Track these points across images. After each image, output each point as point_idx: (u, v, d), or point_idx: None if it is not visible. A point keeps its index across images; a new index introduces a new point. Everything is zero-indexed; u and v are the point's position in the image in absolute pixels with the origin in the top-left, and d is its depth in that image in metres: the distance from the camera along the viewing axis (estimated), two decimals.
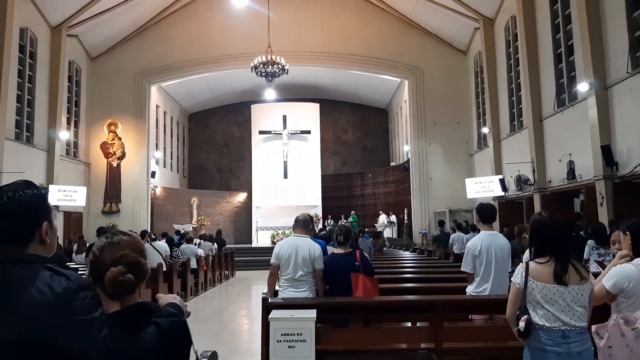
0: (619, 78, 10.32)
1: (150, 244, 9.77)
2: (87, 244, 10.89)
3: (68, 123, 18.59)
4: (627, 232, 2.97)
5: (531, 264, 2.72)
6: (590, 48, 10.89)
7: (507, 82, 16.69)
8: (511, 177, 15.34)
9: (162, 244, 10.39)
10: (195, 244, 12.63)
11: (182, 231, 15.91)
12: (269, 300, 4.39)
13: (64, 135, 17.61)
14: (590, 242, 6.62)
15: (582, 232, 8.45)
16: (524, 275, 2.69)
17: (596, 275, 3.18)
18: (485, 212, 4.81)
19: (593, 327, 2.88)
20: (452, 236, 11.83)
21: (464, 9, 17.43)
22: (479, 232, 4.92)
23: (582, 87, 11.23)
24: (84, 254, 10.46)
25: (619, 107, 10.49)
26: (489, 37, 17.55)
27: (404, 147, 22.33)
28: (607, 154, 10.37)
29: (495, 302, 4.22)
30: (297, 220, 5.05)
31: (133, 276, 1.62)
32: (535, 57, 14.32)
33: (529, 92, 14.32)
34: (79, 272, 1.61)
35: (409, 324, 5.41)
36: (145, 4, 19.13)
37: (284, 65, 16.33)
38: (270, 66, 16.24)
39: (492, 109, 17.44)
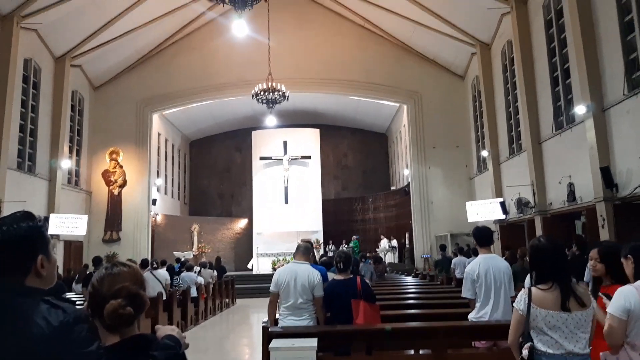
0: (616, 100, 10.40)
1: (152, 272, 9.71)
2: (88, 273, 10.84)
3: (70, 152, 18.70)
4: (630, 257, 2.96)
5: (533, 289, 2.71)
6: (587, 71, 11.01)
7: (504, 105, 16.83)
8: (512, 199, 15.31)
9: (162, 273, 10.33)
10: (195, 272, 12.55)
11: (183, 259, 15.83)
12: (270, 329, 4.35)
13: (66, 164, 17.70)
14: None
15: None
16: (526, 302, 2.67)
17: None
18: (482, 235, 4.78)
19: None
20: (454, 260, 11.76)
21: (461, 35, 17.71)
22: None
23: (580, 109, 11.30)
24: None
25: (617, 128, 10.54)
26: (485, 62, 17.76)
27: (404, 171, 22.37)
28: (607, 175, 10.37)
29: (498, 328, 4.17)
30: (298, 247, 5.07)
31: (132, 309, 1.61)
32: (532, 80, 14.47)
33: (527, 115, 14.42)
34: (77, 303, 1.60)
35: (412, 352, 5.34)
36: (147, 35, 19.47)
37: (284, 92, 16.51)
38: (271, 93, 16.42)
39: (491, 132, 17.54)
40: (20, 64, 15.33)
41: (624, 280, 3.24)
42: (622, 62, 10.19)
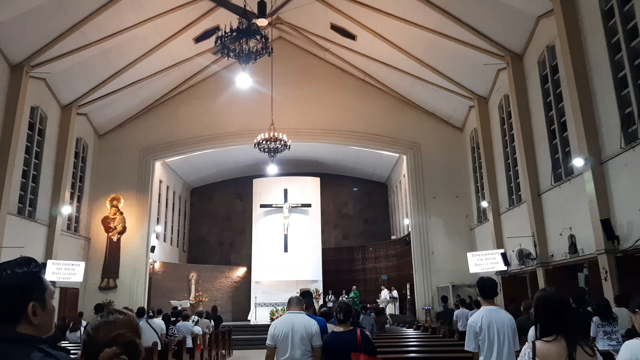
0: (614, 153, 10.52)
1: (147, 321, 9.51)
2: (84, 322, 10.63)
3: (71, 198, 18.73)
4: (638, 311, 2.91)
5: (538, 343, 2.65)
6: (583, 125, 11.18)
7: (503, 157, 16.99)
8: (513, 251, 15.18)
9: (158, 322, 10.11)
10: (193, 322, 12.28)
11: (180, 307, 15.53)
12: None
13: (66, 210, 17.69)
14: (595, 318, 6.43)
15: (589, 308, 8.24)
16: (531, 356, 2.61)
17: (603, 353, 3.09)
18: (486, 287, 4.72)
19: None
20: (456, 312, 11.56)
21: (459, 89, 18.14)
22: None
23: (578, 162, 11.40)
24: (78, 332, 10.17)
25: (615, 181, 10.60)
26: (483, 115, 18.09)
27: (405, 221, 22.30)
28: (608, 228, 10.34)
29: None
30: (290, 300, 4.99)
31: (128, 358, 1.58)
32: (529, 133, 14.69)
33: (526, 168, 14.54)
34: (72, 353, 1.57)
35: None
36: (153, 85, 19.97)
37: (286, 142, 16.75)
38: (272, 142, 16.66)
39: (490, 184, 17.63)
40: (27, 112, 15.62)
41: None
42: (618, 116, 10.38)
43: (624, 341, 5.08)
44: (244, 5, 12.33)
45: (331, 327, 5.13)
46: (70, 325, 10.86)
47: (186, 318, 11.95)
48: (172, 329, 11.19)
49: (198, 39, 18.54)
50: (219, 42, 11.62)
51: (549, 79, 13.70)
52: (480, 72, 16.54)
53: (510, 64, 15.17)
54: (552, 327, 2.66)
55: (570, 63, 11.60)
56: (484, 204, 18.06)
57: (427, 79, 18.61)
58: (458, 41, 15.51)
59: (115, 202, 20.12)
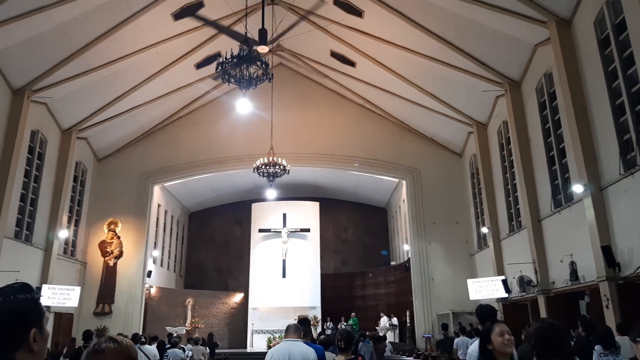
0: (613, 179, 10.52)
1: (140, 348, 9.33)
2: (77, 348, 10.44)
3: (69, 222, 18.64)
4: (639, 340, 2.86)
5: None
6: (582, 151, 11.22)
7: (503, 183, 16.99)
8: (513, 277, 15.04)
9: (151, 349, 9.94)
10: (187, 349, 12.05)
11: (175, 334, 15.29)
12: None
13: (63, 234, 17.56)
14: (597, 347, 6.32)
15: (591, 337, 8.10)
16: None
17: None
18: (486, 314, 4.64)
19: None
20: (456, 341, 11.36)
21: (458, 115, 18.26)
22: None
23: (577, 188, 11.39)
24: None
25: (615, 207, 10.57)
26: (482, 141, 18.16)
27: (404, 247, 22.16)
28: (608, 254, 10.27)
29: None
30: (288, 328, 4.94)
31: None
32: (528, 159, 14.72)
33: (525, 194, 14.52)
34: None
35: None
36: (153, 110, 20.10)
37: (285, 166, 16.77)
38: (272, 167, 16.68)
39: (490, 210, 17.58)
40: (28, 135, 15.66)
41: None
42: (617, 143, 10.42)
43: None
44: (245, 33, 12.51)
45: (329, 355, 5.03)
46: (64, 351, 10.67)
47: (175, 345, 11.68)
48: (167, 356, 10.98)
49: (199, 65, 18.75)
50: (219, 68, 11.73)
51: (547, 105, 13.80)
52: (479, 98, 16.68)
53: (508, 91, 15.31)
54: (549, 356, 2.62)
55: (567, 90, 11.71)
56: (484, 230, 17.97)
57: (426, 105, 18.76)
58: (457, 68, 15.69)
59: (112, 226, 20.00)
